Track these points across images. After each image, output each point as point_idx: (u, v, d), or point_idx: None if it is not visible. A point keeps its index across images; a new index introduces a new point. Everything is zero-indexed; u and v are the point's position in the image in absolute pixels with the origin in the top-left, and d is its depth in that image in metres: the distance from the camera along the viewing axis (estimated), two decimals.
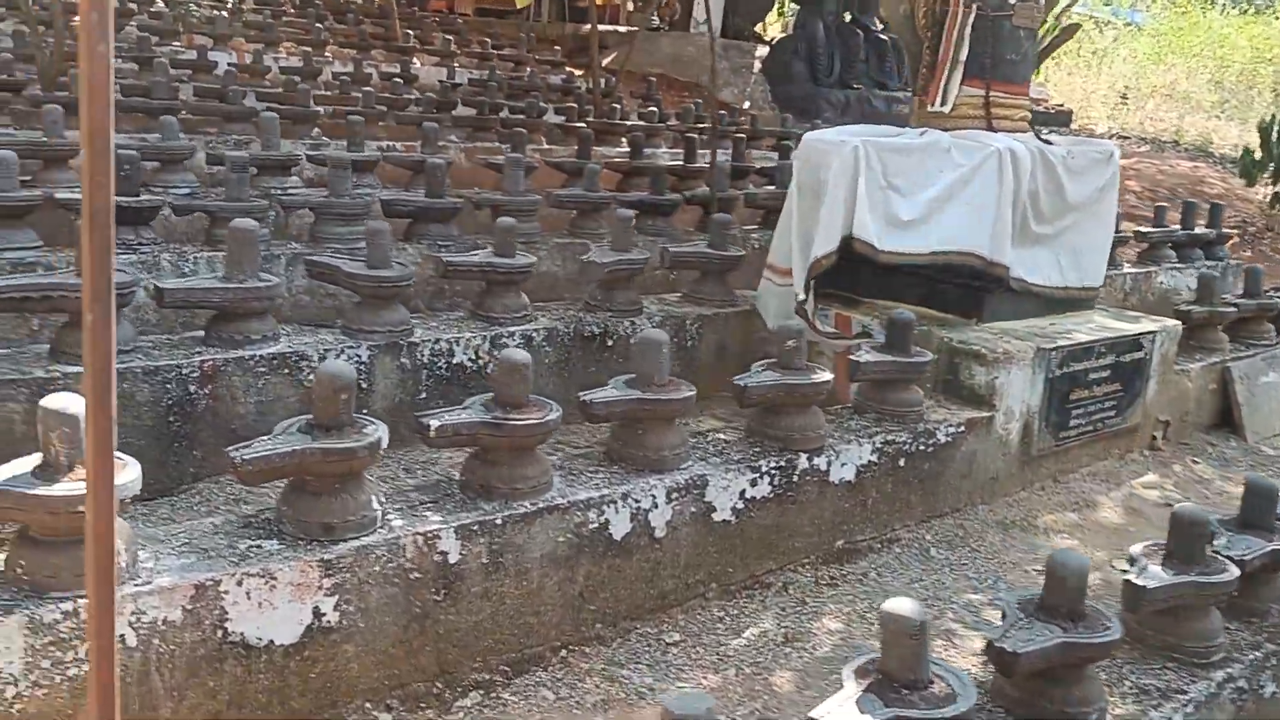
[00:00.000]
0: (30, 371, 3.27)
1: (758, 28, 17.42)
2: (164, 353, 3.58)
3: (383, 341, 3.95)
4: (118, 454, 2.41)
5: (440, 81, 10.73)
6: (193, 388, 3.55)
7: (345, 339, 3.93)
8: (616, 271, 4.54)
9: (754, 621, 3.25)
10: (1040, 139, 4.82)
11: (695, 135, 8.22)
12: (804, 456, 3.52)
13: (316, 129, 7.72)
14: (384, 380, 3.98)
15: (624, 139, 8.59)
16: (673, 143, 9.69)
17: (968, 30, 4.64)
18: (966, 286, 4.59)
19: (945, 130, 4.72)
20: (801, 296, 4.40)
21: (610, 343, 4.60)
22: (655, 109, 10.28)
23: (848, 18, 15.38)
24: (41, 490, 2.16)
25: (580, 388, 4.55)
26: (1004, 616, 2.27)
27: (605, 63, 14.95)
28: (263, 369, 3.69)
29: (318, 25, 11.75)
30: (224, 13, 11.09)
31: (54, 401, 2.22)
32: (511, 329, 4.31)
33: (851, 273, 4.56)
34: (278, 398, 3.74)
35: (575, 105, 10.19)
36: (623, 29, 16.71)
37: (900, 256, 4.28)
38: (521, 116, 9.01)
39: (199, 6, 10.60)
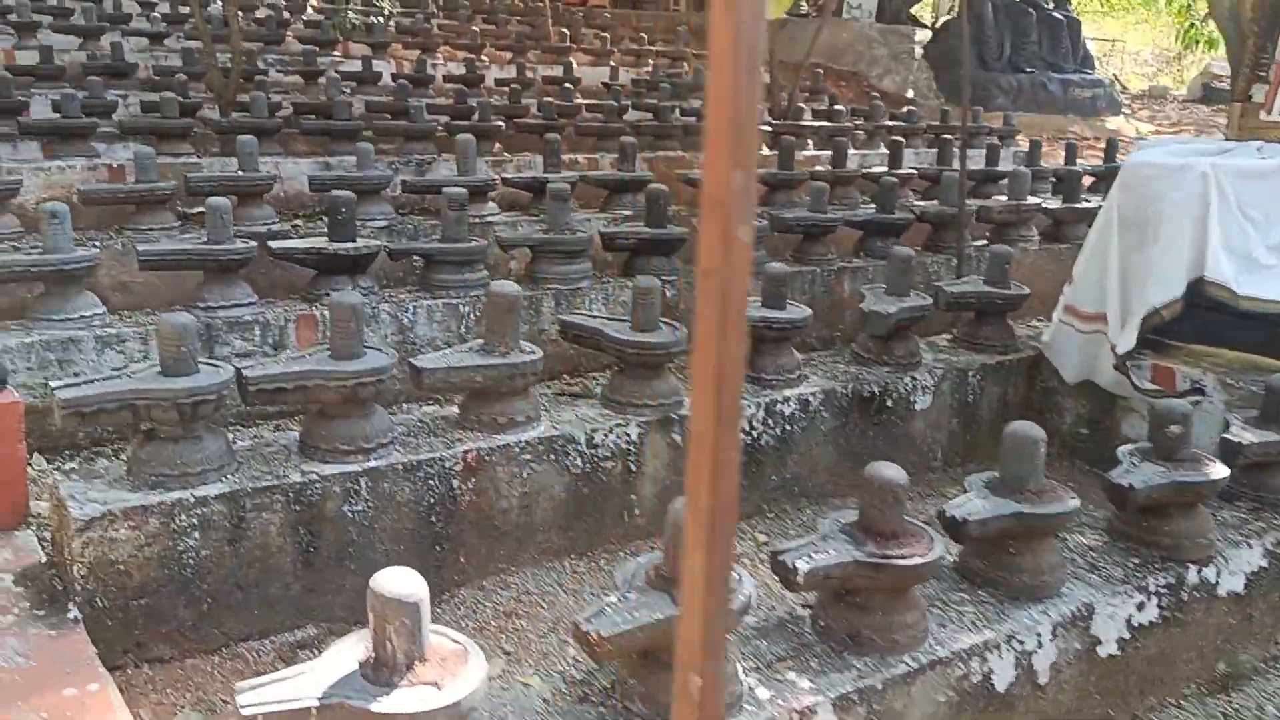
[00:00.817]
0: (285, 475, 2.81)
1: (915, 10, 16.45)
2: (421, 440, 3.10)
3: (654, 417, 3.41)
4: (452, 635, 1.90)
5: (603, 84, 10.23)
6: (455, 482, 3.06)
7: (610, 414, 3.40)
8: (901, 322, 3.91)
9: None
10: None
11: (900, 137, 7.53)
12: (1193, 569, 2.86)
13: (497, 144, 7.27)
14: (653, 461, 3.44)
15: (810, 141, 7.91)
16: (859, 143, 8.99)
17: None
18: None
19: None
20: (1125, 349, 3.71)
21: (889, 403, 3.98)
22: (837, 105, 9.56)
23: None
24: (386, 707, 1.66)
25: (856, 456, 3.99)
26: None
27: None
28: (528, 456, 3.18)
29: (473, 29, 11.36)
30: (379, 19, 10.77)
31: (389, 583, 1.72)
32: (786, 392, 3.73)
33: None
34: (542, 488, 3.24)
35: None
36: (770, 17, 16.00)
37: (1266, 304, 3.55)
38: (695, 120, 8.42)
39: (356, 14, 10.28)
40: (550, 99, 8.92)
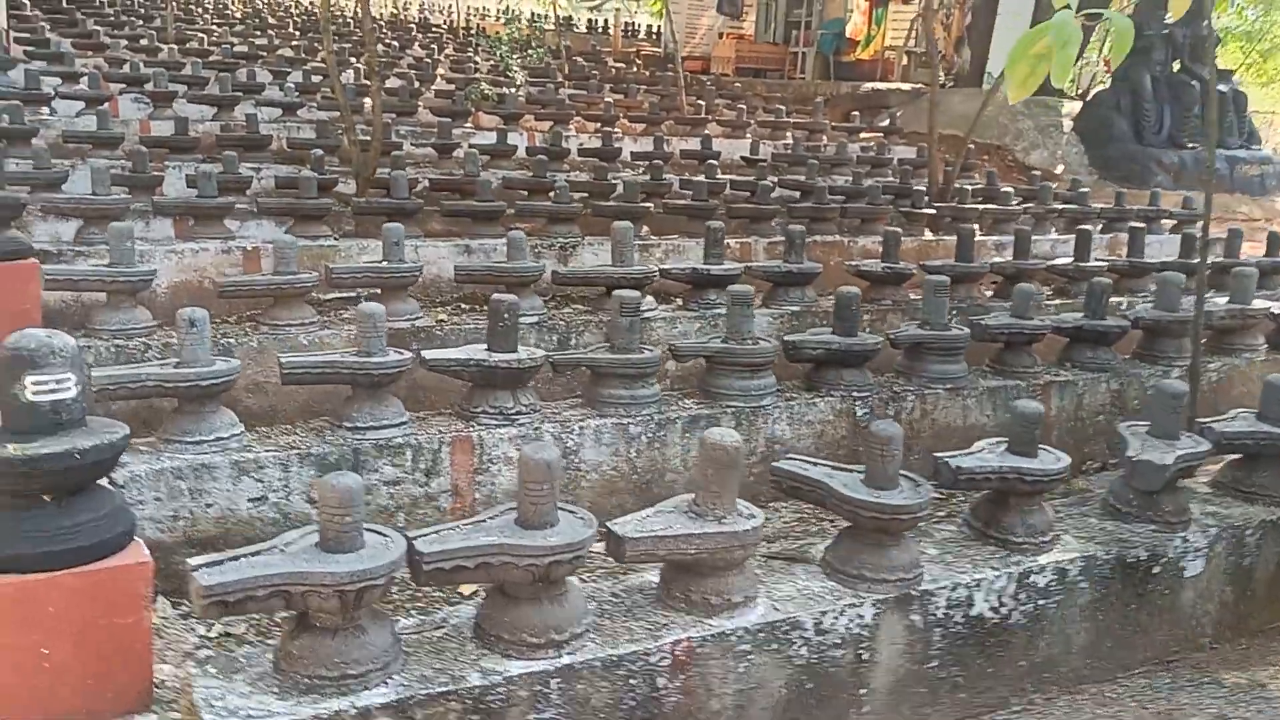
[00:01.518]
0: (462, 675, 2.26)
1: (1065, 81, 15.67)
2: (618, 624, 2.52)
3: (892, 594, 2.78)
4: None
5: (743, 158, 9.74)
6: (661, 680, 2.47)
7: (839, 589, 2.78)
8: (1177, 474, 3.22)
9: None
10: None
11: (1087, 225, 6.83)
12: None
13: (645, 228, 6.78)
14: (889, 647, 2.80)
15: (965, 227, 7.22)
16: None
17: None
18: None
19: None
20: None
21: (1155, 569, 3.27)
22: (1004, 187, 8.87)
23: (1176, 67, 13.55)
24: None
25: (1115, 636, 3.30)
26: None
27: (885, 124, 13.71)
28: (746, 646, 2.58)
29: (606, 100, 11.01)
30: (511, 90, 10.49)
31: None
32: (1040, 559, 3.06)
33: None
34: (760, 684, 2.62)
35: (897, 180, 8.97)
36: (905, 87, 15.41)
37: None
38: (842, 199, 7.82)
39: (490, 86, 10.00)
40: (693, 174, 8.46)
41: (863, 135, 11.96)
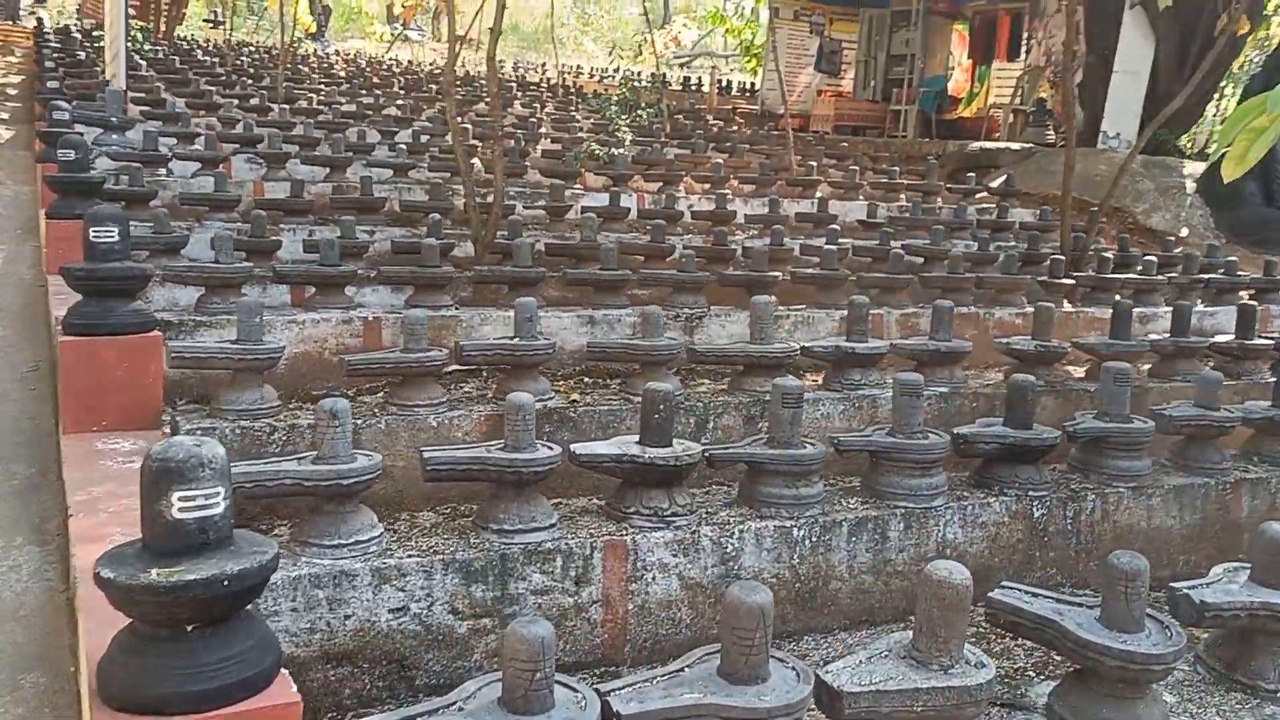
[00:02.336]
0: None
1: (1184, 140, 15.09)
2: None
3: None
4: None
5: (859, 221, 9.38)
6: None
7: None
8: None
9: None
10: None
11: (1251, 300, 6.34)
12: None
13: (772, 297, 6.45)
14: None
15: (1122, 302, 6.78)
16: (1170, 299, 7.78)
17: None
18: None
19: None
20: None
21: None
22: (1146, 255, 8.38)
23: None
24: None
25: None
26: None
27: (995, 184, 13.25)
28: None
29: (715, 160, 10.78)
30: (619, 151, 10.30)
31: None
32: None
33: None
34: None
35: (1023, 245, 8.53)
36: (1015, 146, 14.95)
37: None
38: (969, 266, 7.41)
39: (599, 147, 9.83)
40: (808, 237, 8.15)
41: (977, 196, 11.51)
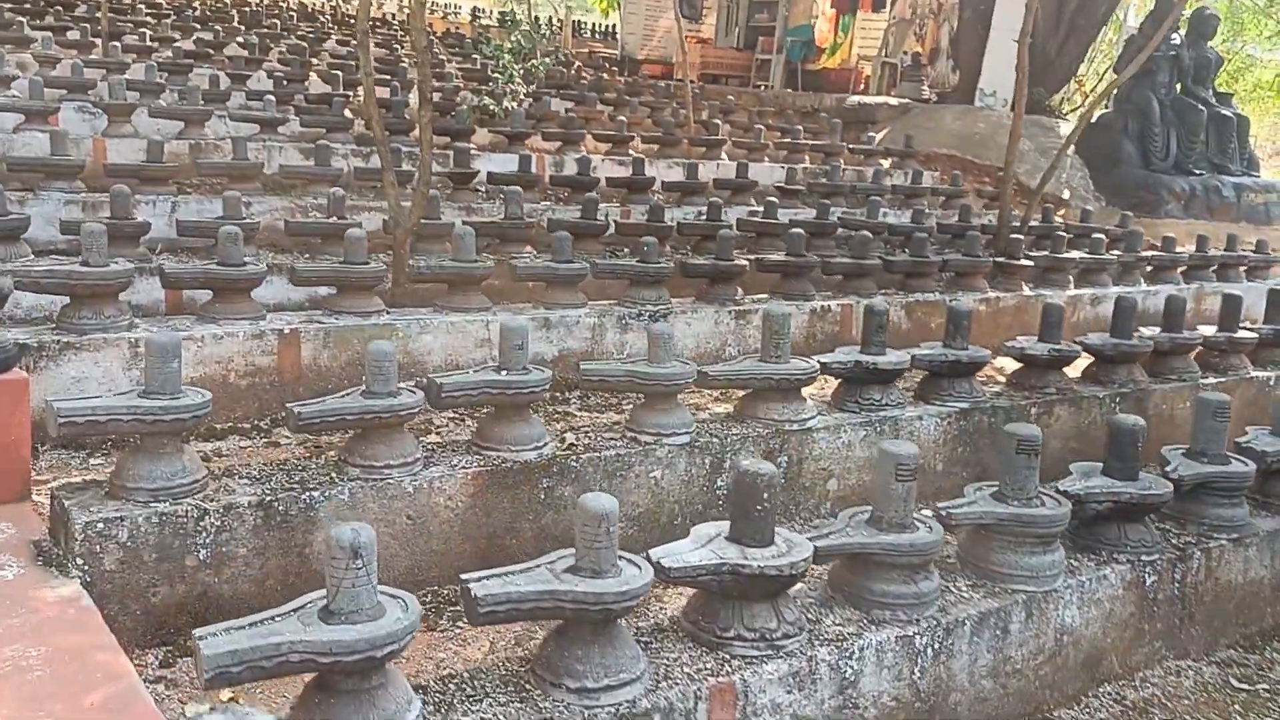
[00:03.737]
0: None
1: (1057, 99, 15.02)
2: None
3: None
4: None
5: (777, 187, 8.69)
6: None
7: None
8: None
9: None
10: None
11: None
12: None
13: (737, 286, 5.68)
14: None
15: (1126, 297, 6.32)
16: (1119, 278, 7.46)
17: None
18: None
19: None
20: None
21: None
22: (1058, 225, 8.02)
23: (1179, 89, 12.97)
24: None
25: None
26: None
27: (878, 139, 12.85)
28: None
29: (620, 120, 9.85)
30: (512, 105, 9.19)
31: None
32: None
33: None
34: None
35: (954, 218, 8.04)
36: (892, 101, 14.53)
37: None
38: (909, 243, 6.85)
39: (491, 100, 8.70)
40: (727, 205, 7.42)
41: (876, 158, 10.98)
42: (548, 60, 9.09)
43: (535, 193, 7.40)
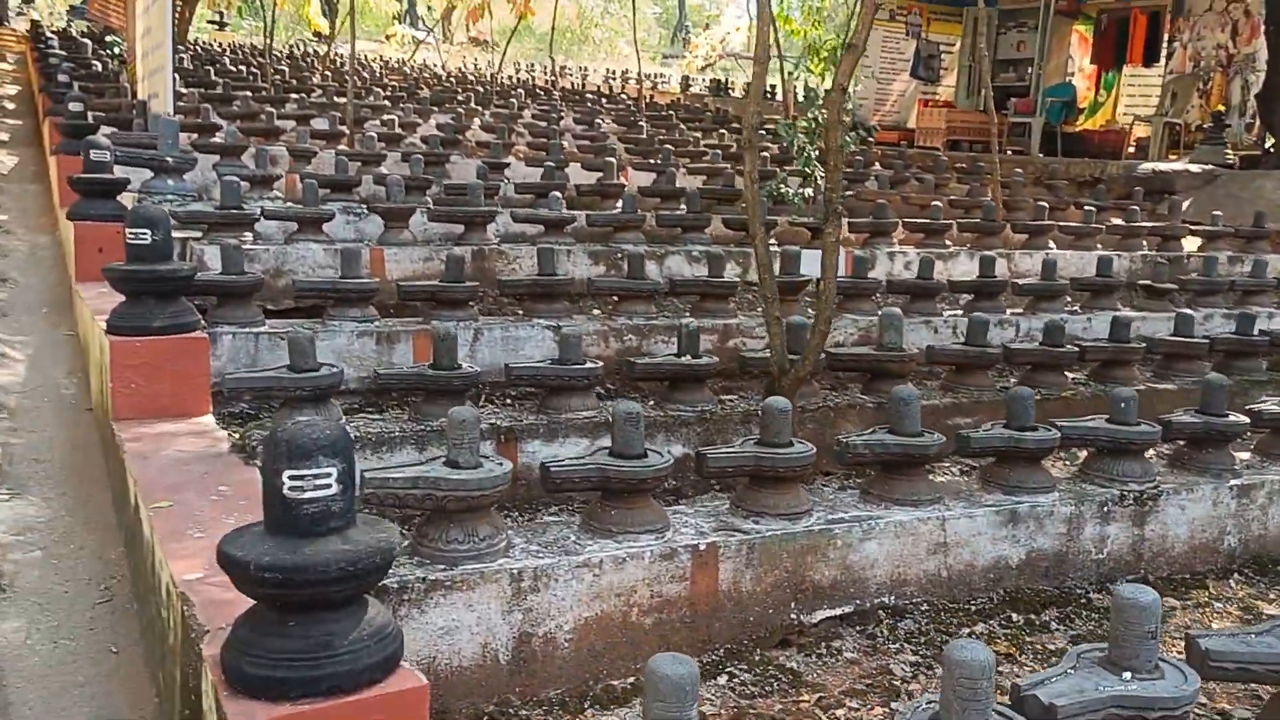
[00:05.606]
0: None
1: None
2: None
3: None
4: None
5: (1143, 285, 7.12)
6: None
7: None
8: None
9: None
10: None
11: None
12: None
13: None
14: None
15: None
16: None
17: None
18: None
19: None
20: None
21: None
22: None
23: None
24: None
25: None
26: None
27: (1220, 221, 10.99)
28: None
29: (935, 205, 8.48)
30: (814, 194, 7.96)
31: None
32: None
33: None
34: None
35: None
36: (1193, 168, 12.65)
37: None
38: None
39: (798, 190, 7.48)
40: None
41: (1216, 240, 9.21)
42: (854, 135, 7.80)
43: (871, 301, 6.08)
